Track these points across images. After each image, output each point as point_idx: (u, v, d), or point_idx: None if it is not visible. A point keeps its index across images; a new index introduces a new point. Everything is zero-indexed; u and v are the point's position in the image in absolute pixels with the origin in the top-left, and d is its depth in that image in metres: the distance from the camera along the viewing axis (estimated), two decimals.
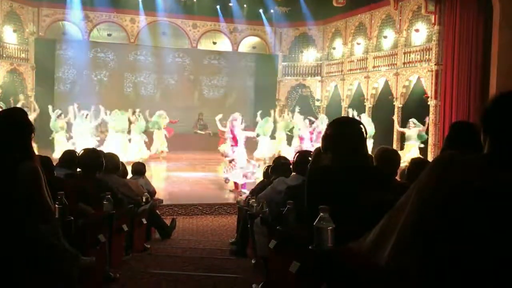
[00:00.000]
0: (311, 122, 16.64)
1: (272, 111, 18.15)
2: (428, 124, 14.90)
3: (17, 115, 3.08)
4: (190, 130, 22.19)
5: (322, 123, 16.06)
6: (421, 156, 12.31)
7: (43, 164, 3.24)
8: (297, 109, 17.99)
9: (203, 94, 24.16)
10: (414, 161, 4.65)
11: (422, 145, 14.86)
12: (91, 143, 14.01)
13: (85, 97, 21.18)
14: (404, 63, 16.57)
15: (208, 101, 23.75)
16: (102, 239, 4.40)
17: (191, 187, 13.25)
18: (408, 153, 13.88)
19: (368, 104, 18.07)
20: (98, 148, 8.26)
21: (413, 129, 14.89)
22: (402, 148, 14.94)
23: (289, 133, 17.81)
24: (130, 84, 23.28)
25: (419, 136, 14.86)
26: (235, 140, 12.28)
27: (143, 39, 20.53)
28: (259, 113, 17.48)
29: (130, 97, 22.62)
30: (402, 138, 15.65)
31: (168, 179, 14.48)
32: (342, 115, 16.84)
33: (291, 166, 5.63)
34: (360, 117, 15.07)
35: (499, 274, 1.32)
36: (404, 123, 15.85)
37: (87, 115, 15.82)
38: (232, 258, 6.72)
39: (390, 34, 17.51)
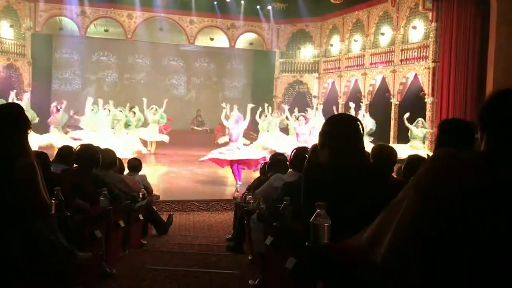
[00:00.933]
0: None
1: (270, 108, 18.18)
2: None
3: (12, 111, 3.06)
4: (187, 126, 22.19)
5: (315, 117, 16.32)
6: (418, 153, 12.31)
7: (40, 160, 3.24)
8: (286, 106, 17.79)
9: (199, 90, 24.13)
10: (410, 158, 4.66)
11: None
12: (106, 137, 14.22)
13: (82, 93, 21.23)
14: (401, 60, 16.59)
15: (203, 98, 23.74)
16: (98, 235, 4.40)
17: (188, 183, 13.25)
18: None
19: (365, 101, 18.08)
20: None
21: (420, 129, 14.79)
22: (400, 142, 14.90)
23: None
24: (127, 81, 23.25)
25: (425, 137, 14.79)
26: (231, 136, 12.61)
27: (140, 35, 20.48)
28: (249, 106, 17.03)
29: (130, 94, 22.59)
30: (404, 137, 15.52)
31: (165, 175, 14.48)
32: (340, 112, 16.86)
33: (288, 163, 5.64)
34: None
35: (497, 271, 1.32)
36: (400, 120, 15.87)
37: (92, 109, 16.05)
38: (228, 254, 6.73)
39: (387, 31, 17.51)
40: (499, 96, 1.56)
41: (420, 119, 14.88)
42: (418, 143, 14.58)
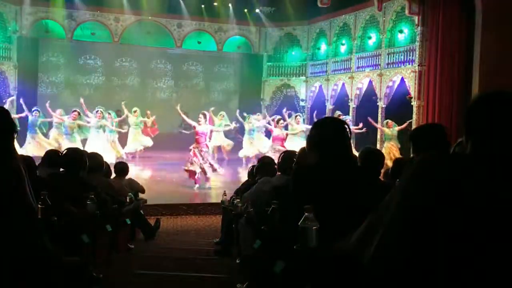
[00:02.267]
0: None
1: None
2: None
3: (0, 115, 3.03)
4: (174, 129, 22.08)
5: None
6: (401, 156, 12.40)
7: (26, 164, 3.21)
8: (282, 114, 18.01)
9: (186, 94, 24.05)
10: (397, 161, 4.69)
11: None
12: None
13: (68, 97, 21.06)
14: (387, 64, 16.68)
15: (191, 101, 23.67)
16: (85, 240, 4.37)
17: (175, 187, 13.21)
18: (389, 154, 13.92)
19: (352, 105, 18.15)
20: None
21: (392, 129, 15.04)
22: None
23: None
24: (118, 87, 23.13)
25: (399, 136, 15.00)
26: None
27: (127, 38, 20.41)
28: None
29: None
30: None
31: (152, 179, 14.42)
32: (327, 115, 16.95)
33: (276, 166, 5.64)
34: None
35: (486, 271, 1.33)
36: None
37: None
38: (216, 258, 6.72)
39: (374, 35, 17.62)
40: (483, 99, 1.58)
41: (388, 120, 15.30)
42: (394, 142, 14.86)
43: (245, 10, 20.82)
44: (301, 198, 2.63)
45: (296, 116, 16.95)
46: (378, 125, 15.93)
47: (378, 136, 16.56)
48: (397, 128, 14.98)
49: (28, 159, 4.43)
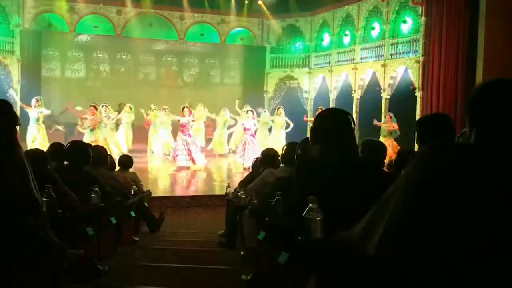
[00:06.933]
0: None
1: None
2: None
3: (2, 107, 3.04)
4: (177, 122, 22.08)
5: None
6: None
7: (36, 157, 3.22)
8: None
9: (189, 86, 24.03)
10: (401, 152, 4.68)
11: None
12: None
13: (72, 91, 21.08)
14: (391, 54, 16.62)
15: (194, 93, 23.65)
16: (90, 232, 4.38)
17: (179, 179, 13.23)
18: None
19: (356, 96, 18.11)
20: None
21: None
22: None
23: None
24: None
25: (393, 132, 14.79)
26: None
27: (130, 31, 20.37)
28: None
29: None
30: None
31: (156, 172, 14.44)
32: (330, 107, 16.91)
33: (279, 158, 5.65)
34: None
35: (493, 260, 1.33)
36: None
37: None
38: (221, 249, 6.74)
39: (377, 26, 17.55)
40: (485, 87, 1.57)
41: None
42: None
43: (247, 1, 20.73)
44: (304, 189, 2.63)
45: (278, 108, 17.10)
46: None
47: (382, 128, 16.48)
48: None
49: (37, 153, 4.44)
